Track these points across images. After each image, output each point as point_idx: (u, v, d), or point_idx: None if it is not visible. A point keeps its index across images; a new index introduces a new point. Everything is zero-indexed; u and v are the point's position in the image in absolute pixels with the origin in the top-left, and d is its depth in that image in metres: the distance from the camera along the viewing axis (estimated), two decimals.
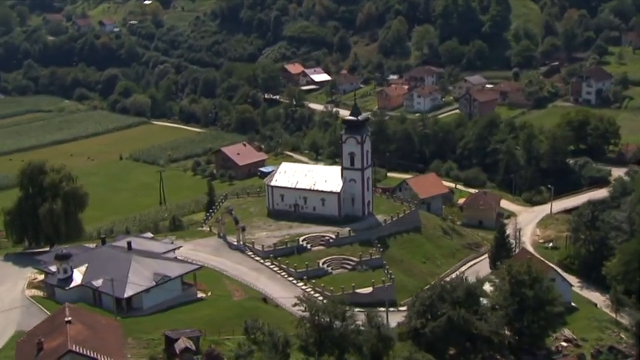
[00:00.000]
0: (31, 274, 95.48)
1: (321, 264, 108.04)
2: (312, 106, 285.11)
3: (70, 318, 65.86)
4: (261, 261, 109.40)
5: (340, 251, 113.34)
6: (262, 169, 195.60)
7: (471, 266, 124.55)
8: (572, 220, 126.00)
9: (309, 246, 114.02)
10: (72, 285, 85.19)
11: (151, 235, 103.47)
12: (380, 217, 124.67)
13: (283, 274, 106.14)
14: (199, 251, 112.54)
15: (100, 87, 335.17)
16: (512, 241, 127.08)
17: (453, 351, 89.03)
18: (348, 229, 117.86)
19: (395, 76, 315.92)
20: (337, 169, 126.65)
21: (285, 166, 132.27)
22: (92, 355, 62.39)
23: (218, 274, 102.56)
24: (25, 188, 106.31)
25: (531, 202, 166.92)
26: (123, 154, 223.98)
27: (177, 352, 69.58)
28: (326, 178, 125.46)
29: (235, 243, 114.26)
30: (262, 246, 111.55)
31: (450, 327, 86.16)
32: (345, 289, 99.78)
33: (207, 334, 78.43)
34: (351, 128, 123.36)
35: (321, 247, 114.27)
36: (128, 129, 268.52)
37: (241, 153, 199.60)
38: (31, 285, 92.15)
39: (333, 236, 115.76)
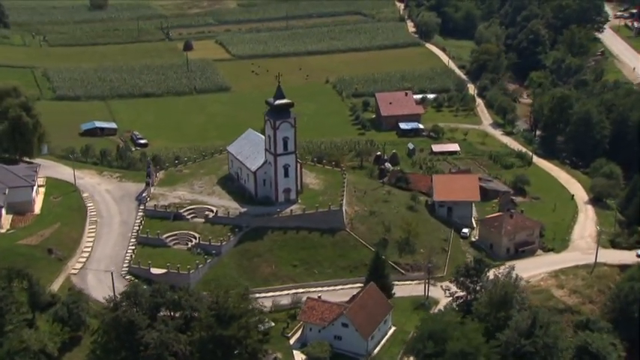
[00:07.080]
0: None
1: (164, 236, 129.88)
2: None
3: None
4: (139, 217, 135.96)
5: (211, 229, 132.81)
6: (402, 124, 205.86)
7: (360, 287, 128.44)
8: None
9: (190, 216, 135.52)
10: None
11: (35, 167, 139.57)
12: (294, 208, 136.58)
13: (135, 234, 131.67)
14: (107, 193, 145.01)
15: None
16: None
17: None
18: (239, 209, 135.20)
19: None
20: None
21: (248, 133, 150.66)
22: None
23: (66, 217, 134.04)
24: None
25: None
26: (331, 77, 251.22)
27: None
28: (259, 154, 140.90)
29: (143, 195, 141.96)
30: (145, 204, 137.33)
31: (115, 325, 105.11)
32: (170, 266, 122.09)
33: None
34: (270, 111, 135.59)
35: (200, 221, 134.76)
36: (392, 49, 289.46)
37: (394, 102, 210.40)
38: None
39: (213, 212, 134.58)
